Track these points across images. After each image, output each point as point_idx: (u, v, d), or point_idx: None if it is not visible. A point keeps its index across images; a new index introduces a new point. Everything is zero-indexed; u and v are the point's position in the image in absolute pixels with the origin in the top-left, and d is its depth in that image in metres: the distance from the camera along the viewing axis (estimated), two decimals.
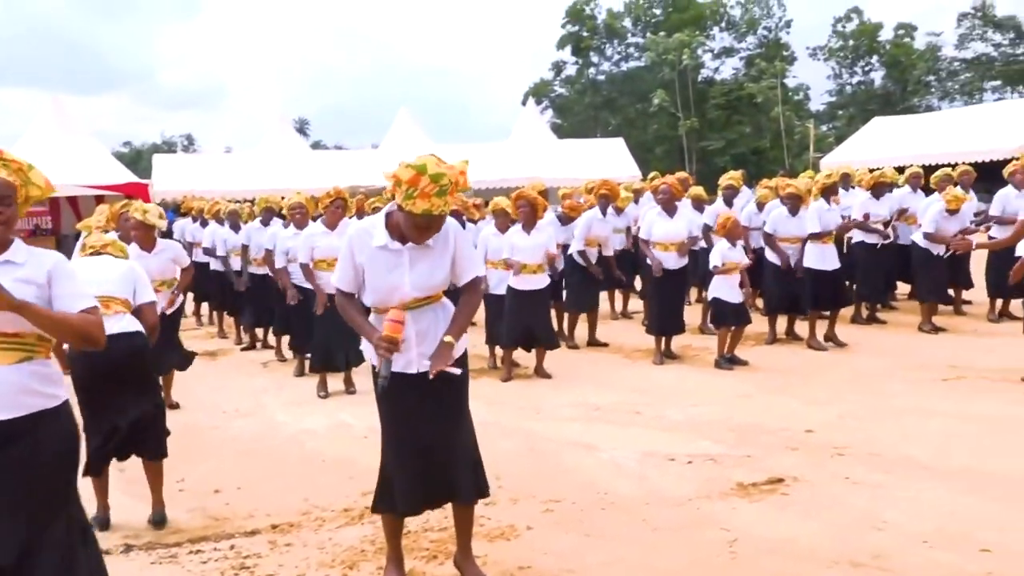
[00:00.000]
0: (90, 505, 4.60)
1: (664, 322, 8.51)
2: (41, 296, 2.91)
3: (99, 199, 23.27)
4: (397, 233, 3.48)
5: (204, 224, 11.52)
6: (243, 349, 10.32)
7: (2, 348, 2.85)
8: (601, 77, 55.48)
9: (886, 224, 10.08)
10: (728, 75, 52.38)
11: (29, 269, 2.94)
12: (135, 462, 4.74)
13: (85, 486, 4.62)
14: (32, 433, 2.89)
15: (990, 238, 8.75)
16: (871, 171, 10.84)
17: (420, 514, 3.87)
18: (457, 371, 3.52)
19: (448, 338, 3.51)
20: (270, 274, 8.83)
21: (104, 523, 4.64)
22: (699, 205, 10.40)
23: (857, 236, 10.03)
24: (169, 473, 5.33)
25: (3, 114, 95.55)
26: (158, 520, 4.63)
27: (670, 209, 8.38)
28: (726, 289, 8.14)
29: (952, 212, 9.39)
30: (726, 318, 8.18)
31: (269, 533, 4.48)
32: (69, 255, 9.12)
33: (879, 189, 10.04)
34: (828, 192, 9.07)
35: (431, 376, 3.43)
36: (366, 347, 3.66)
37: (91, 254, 5.00)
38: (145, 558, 4.24)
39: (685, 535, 4.27)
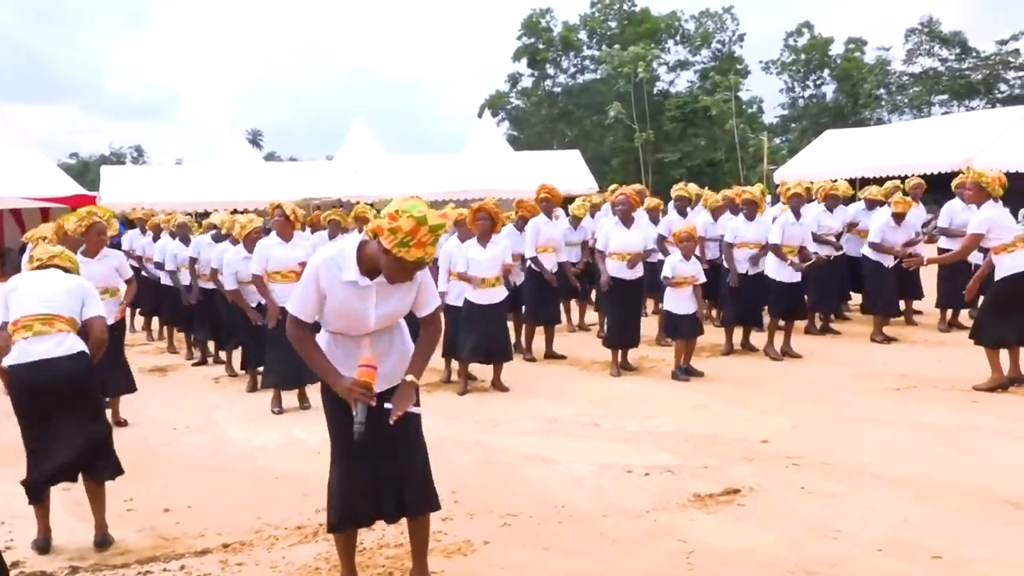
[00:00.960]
0: (30, 529, 4.49)
1: (620, 334, 8.53)
2: None
3: (44, 212, 22.82)
4: (367, 267, 3.40)
5: (156, 238, 11.30)
6: (194, 364, 10.12)
7: None
8: (557, 89, 55.86)
9: (838, 236, 10.24)
10: (683, 88, 53.11)
11: None
12: (79, 482, 4.60)
13: (26, 510, 4.51)
14: None
15: (940, 251, 8.91)
16: (832, 182, 11.00)
17: (368, 525, 3.79)
18: (419, 410, 3.50)
19: (410, 377, 3.48)
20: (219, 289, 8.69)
21: (45, 547, 4.49)
22: (655, 216, 10.46)
23: (811, 247, 10.16)
24: (117, 492, 5.19)
25: None
26: (101, 542, 4.48)
27: (627, 220, 8.41)
28: (677, 301, 8.18)
29: (899, 221, 9.57)
30: (678, 330, 8.22)
31: (220, 552, 4.38)
32: (15, 269, 8.92)
33: (832, 202, 10.19)
34: (796, 203, 9.09)
35: (393, 420, 3.39)
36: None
37: (39, 267, 4.84)
38: None
39: (643, 547, 4.26)
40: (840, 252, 10.20)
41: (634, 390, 7.87)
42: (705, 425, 6.53)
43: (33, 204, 24.10)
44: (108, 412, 7.05)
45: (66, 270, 4.86)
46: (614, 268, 8.34)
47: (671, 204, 10.66)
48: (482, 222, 7.80)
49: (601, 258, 8.51)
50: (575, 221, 10.72)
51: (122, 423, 7.06)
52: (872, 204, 10.63)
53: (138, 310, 12.21)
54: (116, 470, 4.61)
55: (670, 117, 48.46)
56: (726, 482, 5.15)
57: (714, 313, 10.58)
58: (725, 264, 9.24)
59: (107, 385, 6.76)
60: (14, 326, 4.40)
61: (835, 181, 11.63)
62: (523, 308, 9.61)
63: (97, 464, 4.52)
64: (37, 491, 4.43)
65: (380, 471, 3.56)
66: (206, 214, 18.18)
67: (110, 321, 6.78)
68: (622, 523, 4.59)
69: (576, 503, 4.92)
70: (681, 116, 48.41)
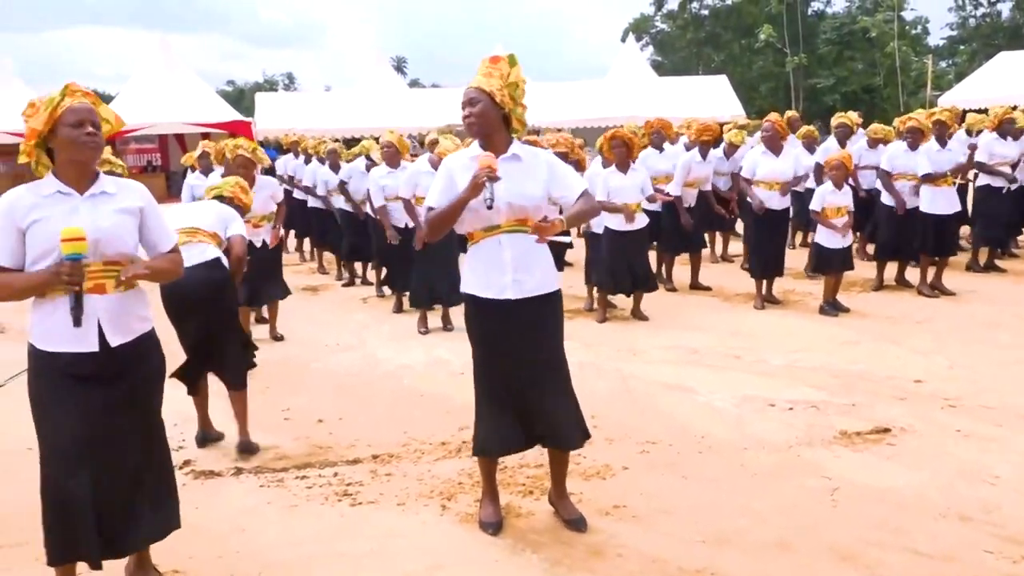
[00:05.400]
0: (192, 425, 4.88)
1: (765, 265, 8.29)
2: (137, 224, 3.07)
3: (204, 136, 24.02)
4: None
5: (307, 161, 11.74)
6: (343, 285, 10.55)
7: (111, 277, 2.97)
8: (704, 12, 53.61)
9: (1013, 167, 9.50)
10: (840, 8, 49.84)
11: (123, 199, 3.06)
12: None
13: (196, 414, 4.89)
14: (142, 356, 3.07)
15: None
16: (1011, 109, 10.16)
17: (508, 454, 3.88)
18: (567, 239, 3.56)
19: (560, 217, 3.49)
20: (369, 213, 8.96)
21: (202, 440, 4.90)
22: (810, 145, 10.00)
23: (982, 179, 9.51)
24: (275, 403, 5.55)
25: (109, 53, 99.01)
26: (243, 449, 4.76)
27: (775, 147, 8.08)
28: (827, 233, 7.85)
29: None
30: (828, 264, 7.91)
31: (370, 463, 4.61)
32: (178, 191, 9.49)
33: (1006, 129, 9.44)
34: (942, 130, 8.53)
35: (538, 241, 3.46)
36: (463, 283, 3.68)
37: (215, 196, 5.21)
38: (254, 481, 4.42)
39: (784, 481, 4.20)
40: (1015, 184, 9.46)
41: (778, 323, 7.67)
42: (853, 362, 6.30)
43: (195, 130, 25.44)
44: (266, 327, 7.58)
45: (228, 200, 5.24)
46: (762, 196, 8.08)
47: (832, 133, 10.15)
48: (618, 150, 7.65)
49: (747, 185, 8.25)
50: (730, 149, 10.36)
51: (279, 338, 7.51)
52: None
53: (291, 232, 12.81)
54: (240, 379, 4.82)
55: (825, 40, 45.71)
56: (875, 420, 4.98)
57: (869, 248, 10.09)
58: (884, 195, 8.75)
59: (261, 294, 7.24)
60: None
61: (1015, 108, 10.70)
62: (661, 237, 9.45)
63: (228, 366, 4.79)
64: (191, 381, 4.78)
65: (526, 400, 3.60)
66: (354, 140, 18.68)
67: (271, 243, 7.24)
68: (763, 456, 4.53)
69: (716, 434, 4.88)
70: (837, 39, 45.55)
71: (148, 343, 3.11)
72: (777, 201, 8.09)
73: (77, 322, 2.83)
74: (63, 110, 2.92)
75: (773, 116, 8.46)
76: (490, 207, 3.41)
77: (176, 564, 3.47)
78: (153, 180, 23.46)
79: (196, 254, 4.61)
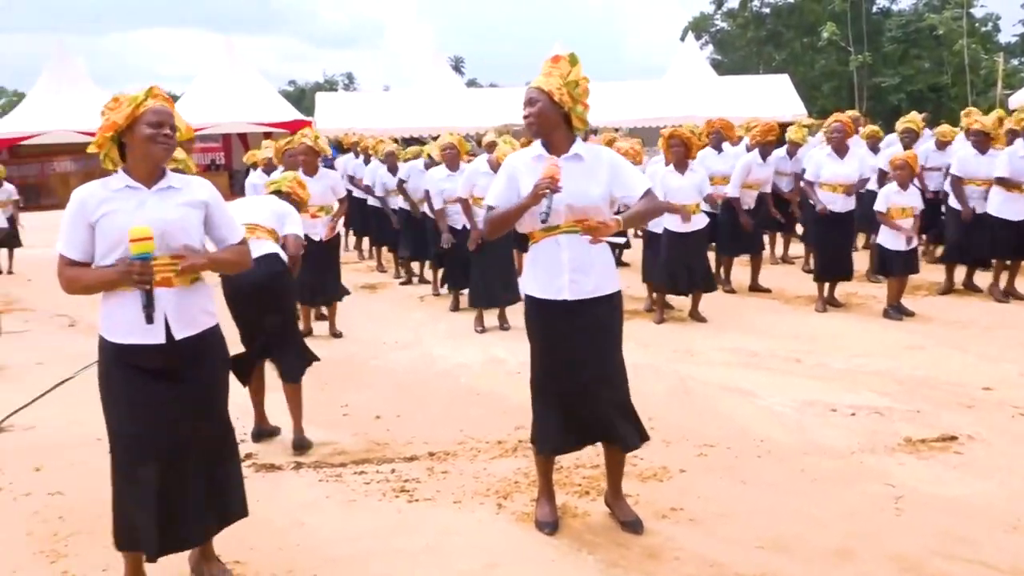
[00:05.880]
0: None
1: (829, 267, 8.14)
2: (202, 217, 3.15)
3: (267, 136, 24.47)
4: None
5: (367, 161, 11.88)
6: (401, 283, 10.65)
7: (177, 270, 3.05)
8: (766, 10, 52.79)
9: None
10: (906, 5, 48.66)
11: (188, 193, 3.14)
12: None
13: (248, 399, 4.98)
14: (207, 349, 3.15)
15: None
16: None
17: (565, 452, 3.87)
18: (620, 240, 3.54)
19: (615, 218, 3.49)
20: (426, 212, 9.02)
21: (257, 435, 4.98)
22: (874, 145, 9.79)
23: None
24: (334, 399, 5.63)
25: (174, 54, 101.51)
26: (297, 445, 4.82)
27: (841, 149, 7.93)
28: (891, 235, 7.67)
29: None
30: (891, 265, 7.74)
31: (427, 460, 4.64)
32: (242, 189, 9.71)
33: None
34: (1013, 137, 8.26)
35: (592, 242, 3.46)
36: (522, 283, 3.69)
37: (274, 191, 5.32)
38: (313, 475, 4.49)
39: (846, 487, 4.12)
40: None
41: (841, 327, 7.53)
42: (918, 367, 6.16)
43: (257, 129, 25.95)
44: (325, 323, 7.69)
45: (286, 195, 5.36)
46: (825, 199, 7.93)
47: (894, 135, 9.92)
48: (676, 149, 7.58)
49: (810, 187, 8.11)
50: (792, 148, 10.19)
51: (338, 335, 7.62)
52: None
53: (350, 230, 12.98)
54: (295, 372, 4.89)
55: (890, 38, 44.67)
56: (941, 428, 4.86)
57: (938, 250, 9.84)
58: (952, 198, 8.52)
59: (318, 292, 7.37)
60: None
61: None
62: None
63: (285, 359, 4.87)
64: (241, 375, 4.83)
65: (584, 401, 3.59)
66: (412, 140, 18.84)
67: (325, 237, 7.36)
68: (824, 462, 4.45)
69: (775, 438, 4.81)
70: (903, 36, 44.48)
71: (213, 337, 3.18)
72: (841, 203, 7.93)
73: (149, 319, 2.92)
74: (146, 109, 3.01)
75: (842, 116, 8.27)
76: (544, 221, 3.40)
77: (238, 555, 3.54)
78: (216, 178, 23.95)
79: (255, 248, 4.70)
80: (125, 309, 2.98)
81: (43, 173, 27.11)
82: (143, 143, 3.01)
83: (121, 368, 3.04)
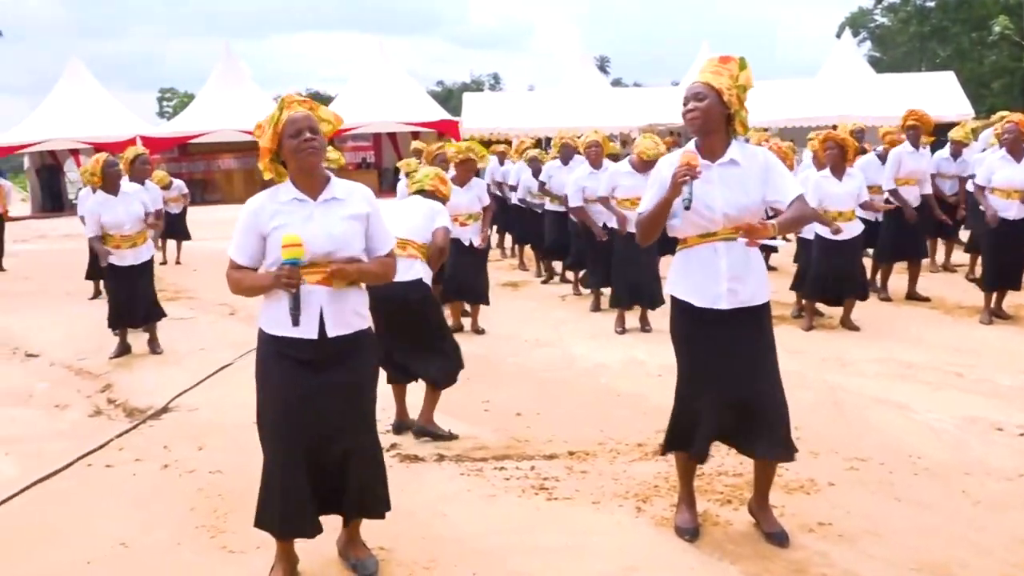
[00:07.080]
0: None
1: (997, 276, 7.61)
2: (364, 230, 3.28)
3: (415, 136, 25.15)
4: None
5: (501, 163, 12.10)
6: (543, 282, 10.72)
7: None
8: (930, 3, 50.02)
9: None
10: None
11: (352, 205, 3.27)
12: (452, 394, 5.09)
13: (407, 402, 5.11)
14: (357, 348, 3.27)
15: None
16: None
17: (697, 455, 3.78)
18: (777, 242, 3.43)
19: (772, 222, 3.39)
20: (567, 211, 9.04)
21: (397, 428, 5.12)
22: None
23: None
24: (476, 394, 5.72)
25: (329, 56, 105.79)
26: (418, 431, 4.98)
27: (1016, 152, 7.40)
28: None
29: None
30: None
31: (566, 459, 4.65)
32: (391, 188, 10.06)
33: None
34: None
35: (747, 244, 3.39)
36: (669, 287, 3.63)
37: (417, 191, 5.40)
38: (455, 468, 4.58)
39: (1013, 512, 3.85)
40: None
41: (1008, 340, 7.05)
42: None
43: (406, 128, 26.72)
44: (467, 320, 7.84)
45: (430, 194, 5.36)
46: (998, 205, 7.42)
47: None
48: (831, 152, 7.28)
49: (981, 192, 7.61)
50: (956, 148, 9.60)
51: (480, 332, 7.75)
52: None
53: (493, 228, 13.16)
54: (447, 380, 5.00)
55: None
56: None
57: None
58: None
59: (467, 291, 7.59)
60: None
61: None
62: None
63: (429, 374, 4.98)
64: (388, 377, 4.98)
65: (728, 400, 3.50)
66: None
67: (480, 244, 7.53)
68: (989, 484, 4.17)
69: (933, 456, 4.55)
70: None
71: (364, 338, 3.32)
72: (1016, 211, 7.39)
73: (295, 322, 3.10)
74: (283, 124, 3.17)
75: (1016, 116, 7.72)
76: (687, 207, 3.34)
77: (383, 541, 3.66)
78: (367, 176, 24.85)
79: (402, 270, 4.82)
80: (281, 306, 3.15)
81: (209, 170, 28.88)
82: (292, 155, 3.17)
83: (275, 357, 3.21)
